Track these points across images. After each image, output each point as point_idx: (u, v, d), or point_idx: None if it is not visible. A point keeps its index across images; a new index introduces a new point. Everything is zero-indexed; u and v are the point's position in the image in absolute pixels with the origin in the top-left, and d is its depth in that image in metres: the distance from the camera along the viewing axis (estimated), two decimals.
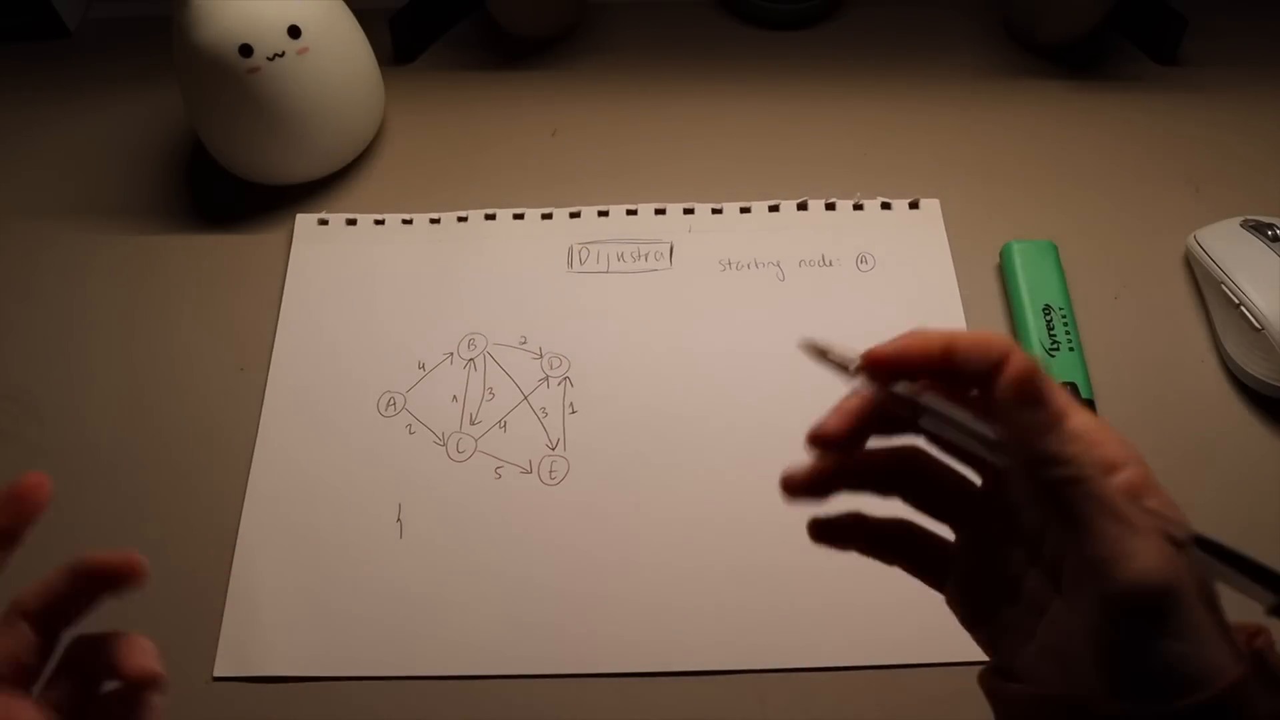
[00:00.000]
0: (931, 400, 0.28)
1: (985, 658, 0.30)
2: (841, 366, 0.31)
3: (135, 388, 0.52)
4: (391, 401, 0.51)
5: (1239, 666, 0.24)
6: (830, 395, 0.53)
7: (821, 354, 0.32)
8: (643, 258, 0.55)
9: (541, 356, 0.52)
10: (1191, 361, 0.51)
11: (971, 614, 0.30)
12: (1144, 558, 0.24)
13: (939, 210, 0.56)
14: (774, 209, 0.56)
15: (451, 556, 0.46)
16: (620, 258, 0.55)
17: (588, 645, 0.44)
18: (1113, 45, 0.64)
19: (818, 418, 0.30)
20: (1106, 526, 0.25)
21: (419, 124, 0.62)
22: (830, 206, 0.56)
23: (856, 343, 0.54)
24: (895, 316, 0.52)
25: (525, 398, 0.50)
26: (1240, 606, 0.26)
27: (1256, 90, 0.61)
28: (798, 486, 0.31)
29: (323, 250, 0.56)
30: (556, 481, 0.48)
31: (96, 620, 0.45)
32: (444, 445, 0.49)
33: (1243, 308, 0.48)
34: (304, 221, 0.57)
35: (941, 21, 0.65)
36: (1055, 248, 0.53)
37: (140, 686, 0.32)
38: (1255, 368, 0.48)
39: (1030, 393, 0.26)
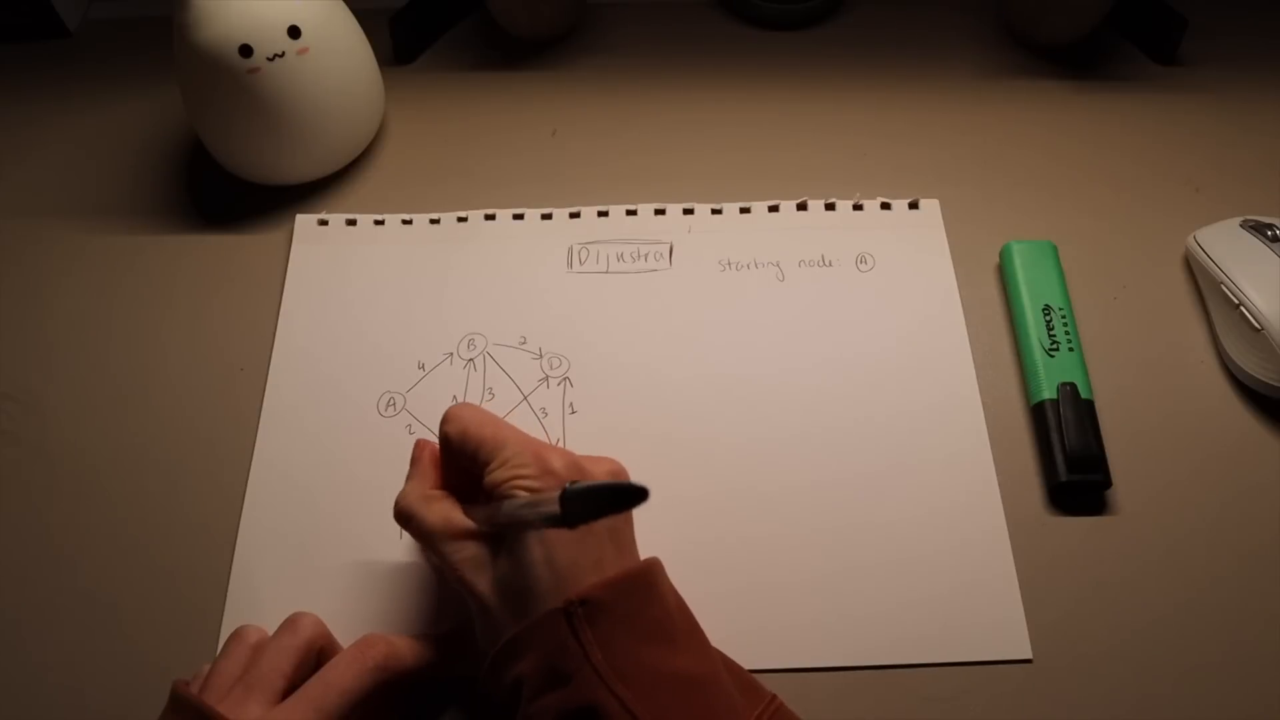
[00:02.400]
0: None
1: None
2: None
3: (135, 387, 0.52)
4: (391, 401, 0.51)
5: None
6: (829, 394, 0.53)
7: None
8: (642, 258, 0.55)
9: (541, 356, 0.52)
10: (1191, 361, 0.51)
11: None
12: (447, 573, 0.39)
13: (939, 210, 0.56)
14: (774, 209, 0.56)
15: None
16: (620, 258, 0.55)
17: None
18: (1113, 45, 0.64)
19: None
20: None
21: (419, 124, 0.62)
22: (830, 206, 0.56)
23: (856, 343, 0.54)
24: (895, 316, 0.52)
25: (525, 398, 0.50)
26: None
27: (1256, 90, 0.61)
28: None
29: (323, 250, 0.56)
30: None
31: (96, 619, 0.45)
32: None
33: (1243, 308, 0.48)
34: (304, 221, 0.57)
35: (941, 21, 0.65)
36: (1055, 248, 0.53)
37: None
38: (1255, 368, 0.48)
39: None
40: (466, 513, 0.39)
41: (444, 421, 0.41)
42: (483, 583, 0.37)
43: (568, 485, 0.33)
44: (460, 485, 0.41)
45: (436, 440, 0.43)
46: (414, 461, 0.43)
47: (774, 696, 0.38)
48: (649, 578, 0.37)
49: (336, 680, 0.38)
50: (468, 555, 0.38)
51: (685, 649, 0.36)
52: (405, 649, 0.41)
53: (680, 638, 0.36)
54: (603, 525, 0.37)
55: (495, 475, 0.38)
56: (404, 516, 0.40)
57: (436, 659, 0.42)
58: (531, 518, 0.35)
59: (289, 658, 0.39)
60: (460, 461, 0.41)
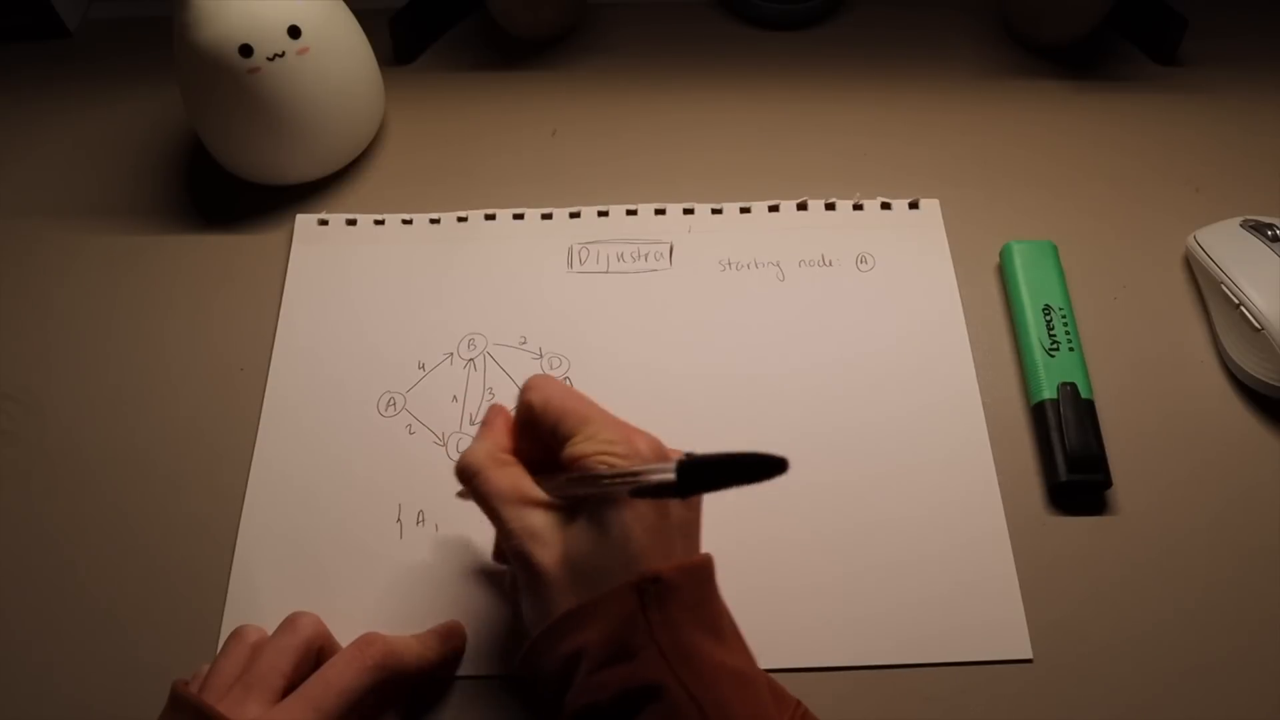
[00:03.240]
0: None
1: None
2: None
3: (135, 387, 0.52)
4: (391, 401, 0.51)
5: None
6: (830, 395, 0.53)
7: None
8: (643, 258, 0.55)
9: (541, 356, 0.52)
10: (1191, 361, 0.51)
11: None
12: (501, 538, 0.37)
13: (939, 210, 0.56)
14: (774, 209, 0.56)
15: (452, 557, 0.46)
16: (620, 258, 0.55)
17: None
18: (1113, 45, 0.64)
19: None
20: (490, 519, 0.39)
21: (419, 124, 0.62)
22: (830, 206, 0.56)
23: (856, 343, 0.54)
24: (895, 316, 0.52)
25: None
26: None
27: (1256, 90, 0.61)
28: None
29: (323, 250, 0.56)
30: None
31: (96, 619, 0.45)
32: (444, 445, 0.49)
33: (1243, 308, 0.48)
34: (304, 221, 0.57)
35: (941, 21, 0.65)
36: (1055, 248, 0.53)
37: None
38: (1255, 368, 0.48)
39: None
40: (536, 482, 0.38)
41: (526, 389, 0.39)
42: (543, 554, 0.36)
43: (686, 455, 0.32)
44: (531, 456, 0.40)
45: (512, 409, 0.41)
46: (486, 424, 0.41)
47: (799, 702, 0.38)
48: (711, 571, 0.37)
49: (335, 679, 0.38)
50: (530, 524, 0.36)
51: (735, 646, 0.36)
52: (402, 648, 0.41)
53: (730, 635, 0.36)
54: (677, 516, 0.36)
55: (580, 448, 0.36)
56: (469, 472, 0.39)
57: (434, 657, 0.42)
58: (629, 487, 0.34)
59: (288, 657, 0.39)
60: (537, 431, 0.39)
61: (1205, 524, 0.46)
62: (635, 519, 0.35)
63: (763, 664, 0.42)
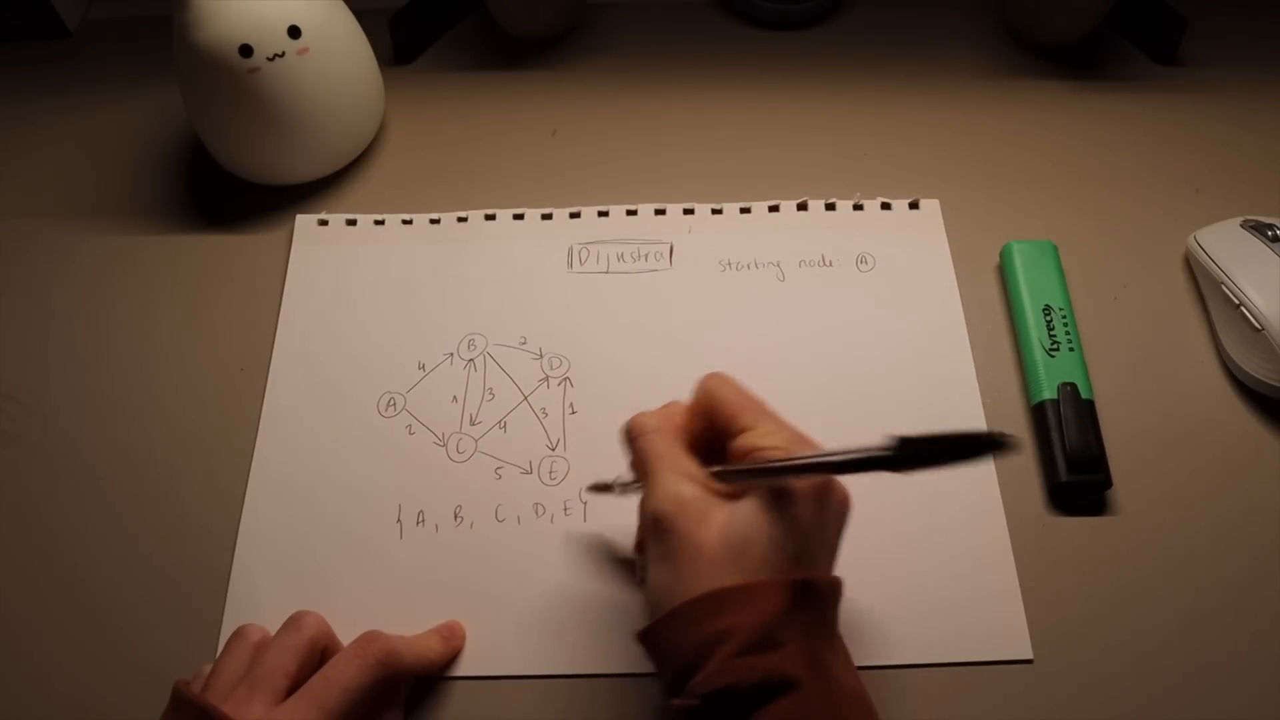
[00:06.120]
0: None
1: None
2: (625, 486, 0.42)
3: (135, 388, 0.52)
4: (391, 402, 0.51)
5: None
6: (830, 395, 0.53)
7: (605, 488, 0.43)
8: (643, 258, 0.55)
9: (541, 357, 0.52)
10: (1191, 361, 0.51)
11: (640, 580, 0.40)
12: (649, 499, 0.37)
13: (939, 210, 0.56)
14: (774, 209, 0.56)
15: (452, 557, 0.46)
16: (620, 258, 0.55)
17: (589, 645, 0.44)
18: (1113, 45, 0.64)
19: None
20: (644, 483, 0.38)
21: (419, 124, 0.62)
22: (830, 206, 0.56)
23: (857, 343, 0.54)
24: (895, 317, 0.52)
25: (525, 398, 0.50)
26: None
27: (1256, 90, 0.61)
28: None
29: (323, 250, 0.56)
30: (556, 482, 0.48)
31: (96, 620, 0.45)
32: (444, 445, 0.49)
33: (1243, 308, 0.48)
34: (304, 222, 0.57)
35: (941, 21, 0.65)
36: (1055, 248, 0.53)
37: None
38: (1255, 368, 0.48)
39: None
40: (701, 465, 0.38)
41: (708, 378, 0.40)
42: (696, 527, 0.35)
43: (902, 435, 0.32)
44: (696, 444, 0.40)
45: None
46: (665, 408, 0.41)
47: None
48: (841, 594, 0.37)
49: (338, 678, 0.38)
50: (685, 495, 0.36)
51: (853, 670, 0.36)
52: (403, 647, 0.41)
53: (847, 659, 0.36)
54: (828, 533, 0.37)
55: (755, 440, 0.36)
56: (637, 431, 0.39)
57: (434, 656, 0.42)
58: (844, 459, 0.33)
59: (292, 656, 0.39)
60: (712, 419, 0.39)
61: (1205, 524, 0.46)
62: (801, 519, 0.35)
63: None
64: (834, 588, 0.36)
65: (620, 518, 0.46)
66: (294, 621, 0.41)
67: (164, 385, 0.52)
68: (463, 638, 0.44)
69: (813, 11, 0.65)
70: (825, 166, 0.58)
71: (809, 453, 0.35)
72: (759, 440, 0.36)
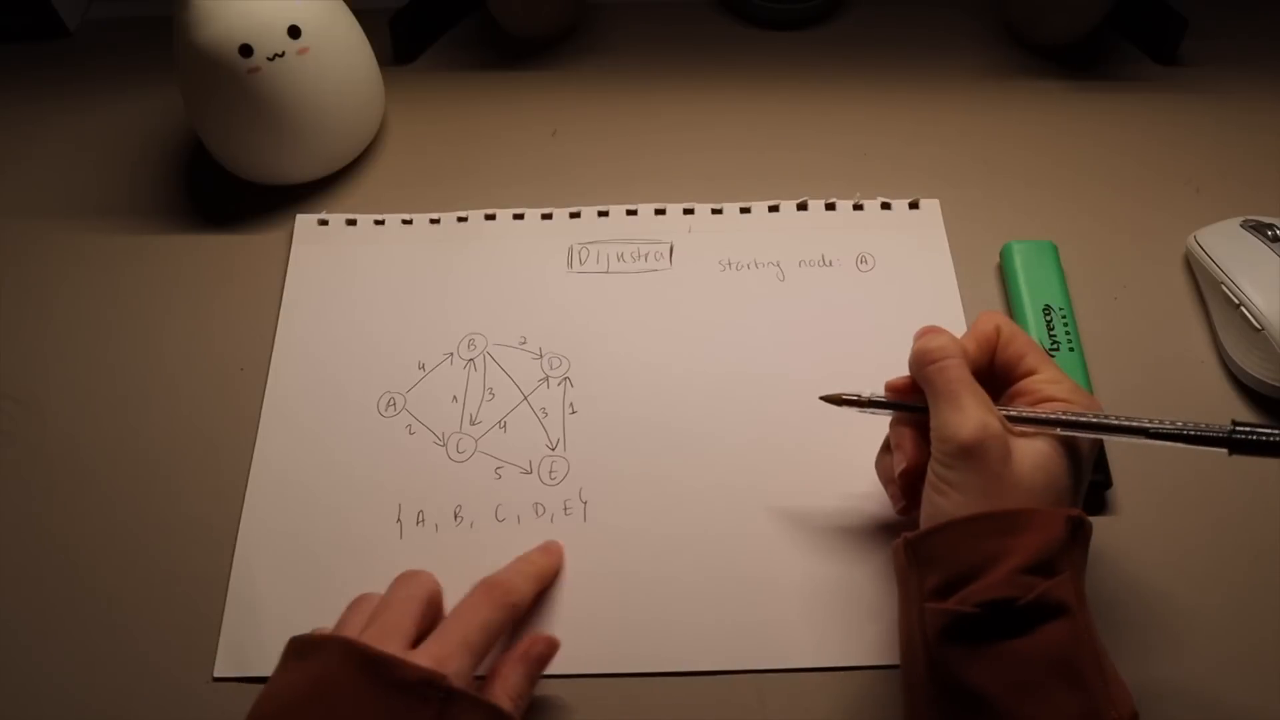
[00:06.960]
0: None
1: None
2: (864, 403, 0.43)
3: (135, 388, 0.52)
4: (391, 401, 0.51)
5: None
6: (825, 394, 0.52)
7: (851, 402, 0.44)
8: (643, 258, 0.55)
9: (541, 357, 0.52)
10: (1191, 361, 0.51)
11: (909, 501, 0.42)
12: (959, 425, 0.37)
13: (939, 210, 0.56)
14: (774, 209, 0.56)
15: (451, 557, 0.46)
16: (620, 258, 0.55)
17: (588, 645, 0.44)
18: (1113, 45, 0.64)
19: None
20: (944, 408, 0.38)
21: (419, 124, 0.62)
22: (830, 207, 0.56)
23: (857, 343, 0.54)
24: (895, 317, 0.52)
25: (525, 398, 0.50)
26: None
27: (1256, 90, 0.61)
28: (896, 388, 0.43)
29: (323, 250, 0.56)
30: (556, 482, 0.48)
31: (96, 620, 0.45)
32: (444, 445, 0.49)
33: (1243, 308, 0.48)
34: (304, 221, 0.57)
35: (941, 21, 0.65)
36: (1055, 248, 0.53)
37: None
38: (1255, 368, 0.48)
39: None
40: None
41: (993, 315, 0.42)
42: (1003, 456, 0.37)
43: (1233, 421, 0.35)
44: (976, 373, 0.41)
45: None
46: (942, 334, 0.41)
47: None
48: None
49: (472, 616, 0.39)
50: (994, 427, 0.37)
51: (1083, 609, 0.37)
52: (520, 580, 0.42)
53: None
54: (1087, 483, 0.39)
55: (1040, 385, 0.39)
56: (941, 355, 0.39)
57: (539, 587, 0.44)
58: (1179, 431, 0.37)
59: (416, 606, 0.40)
60: (997, 355, 0.41)
61: (1205, 524, 0.46)
62: (1083, 468, 0.38)
63: (762, 664, 0.43)
64: (1090, 532, 0.38)
65: (621, 517, 0.47)
66: (410, 576, 0.42)
67: (164, 385, 0.52)
68: (561, 556, 0.45)
69: (813, 11, 0.65)
70: (825, 166, 0.58)
71: (1121, 416, 0.38)
72: (1048, 389, 0.39)
